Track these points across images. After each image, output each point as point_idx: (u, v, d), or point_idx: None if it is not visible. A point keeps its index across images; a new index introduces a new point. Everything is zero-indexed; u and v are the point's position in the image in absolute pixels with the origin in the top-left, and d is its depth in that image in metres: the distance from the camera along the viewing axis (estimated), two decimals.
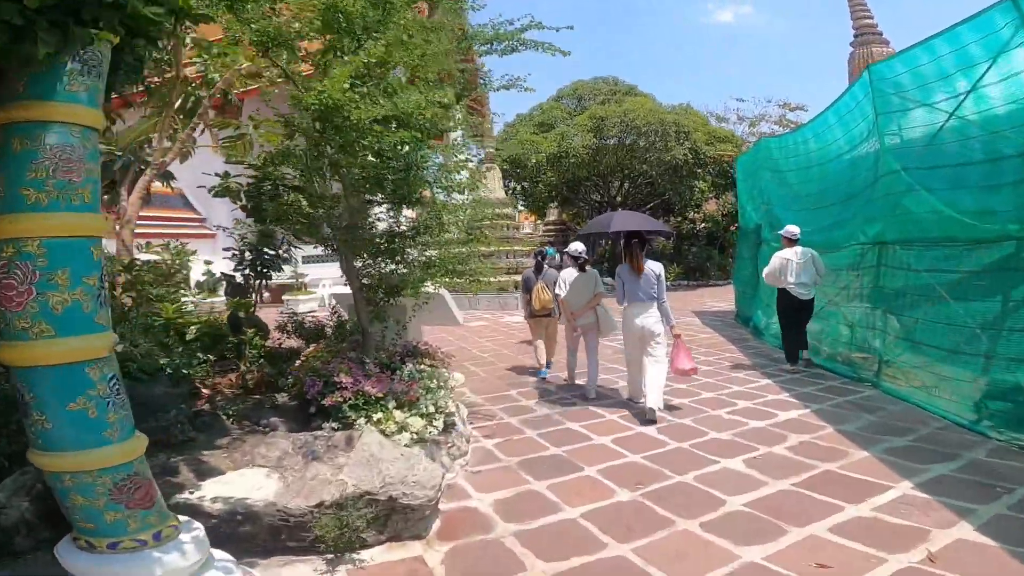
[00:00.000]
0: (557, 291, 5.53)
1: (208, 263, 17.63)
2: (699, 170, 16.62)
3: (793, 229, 6.21)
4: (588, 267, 5.51)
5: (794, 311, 6.12)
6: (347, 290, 4.81)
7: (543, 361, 6.29)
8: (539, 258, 6.50)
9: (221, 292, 7.66)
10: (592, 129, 15.80)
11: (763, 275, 6.47)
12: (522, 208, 23.76)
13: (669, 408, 4.80)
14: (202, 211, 19.94)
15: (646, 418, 4.50)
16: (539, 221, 29.64)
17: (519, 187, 21.21)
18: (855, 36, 44.42)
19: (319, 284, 17.07)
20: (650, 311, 4.70)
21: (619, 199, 20.18)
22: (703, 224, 20.27)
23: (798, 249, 6.07)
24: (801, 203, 7.87)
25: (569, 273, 5.47)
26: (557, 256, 8.39)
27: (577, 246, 5.62)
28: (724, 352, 7.66)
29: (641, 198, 21.09)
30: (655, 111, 16.07)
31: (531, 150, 16.02)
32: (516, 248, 14.35)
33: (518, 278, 13.26)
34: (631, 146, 16.01)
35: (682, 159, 15.73)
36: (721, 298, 15.37)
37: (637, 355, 4.83)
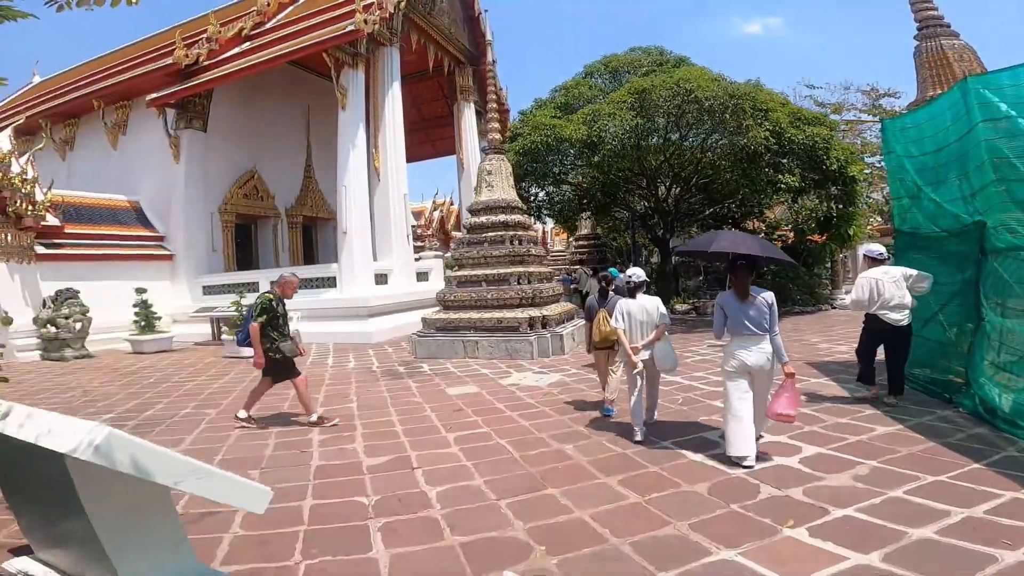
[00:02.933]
0: (614, 323, 5.01)
1: (141, 291, 14.00)
2: (783, 160, 12.17)
3: (876, 247, 5.85)
4: (645, 294, 5.01)
5: (886, 339, 5.54)
6: None
7: (610, 397, 5.67)
8: (603, 283, 5.99)
9: None
10: (633, 107, 11.64)
11: (848, 302, 6.21)
12: (547, 220, 19.54)
13: None
14: (160, 228, 16.48)
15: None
16: (570, 238, 25.41)
17: (540, 193, 17.03)
18: (919, 29, 39.32)
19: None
20: (760, 345, 4.15)
21: (670, 204, 15.81)
22: (782, 231, 15.81)
23: (886, 268, 5.59)
24: None
25: (628, 302, 4.98)
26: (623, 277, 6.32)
27: (635, 271, 5.11)
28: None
29: (700, 202, 16.62)
30: (718, 81, 11.84)
31: (549, 137, 11.88)
32: (532, 270, 10.08)
33: (535, 312, 9.04)
34: (690, 125, 11.79)
35: (762, 144, 11.35)
36: (829, 334, 10.78)
37: (744, 396, 4.18)
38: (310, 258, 19.90)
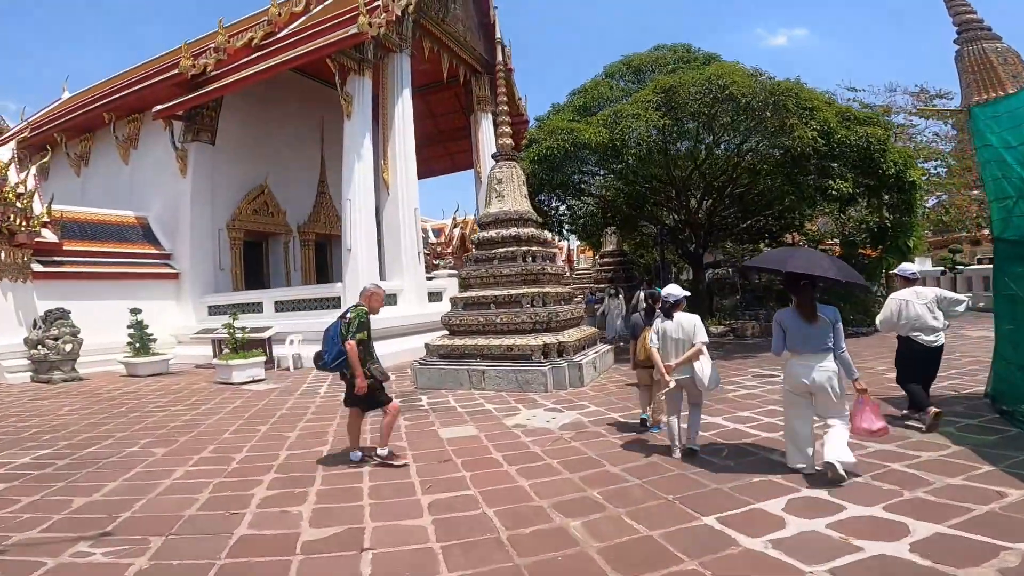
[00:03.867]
0: (649, 343, 5.00)
1: (135, 311, 13.29)
2: (833, 164, 10.76)
3: (908, 267, 5.76)
4: (682, 312, 4.85)
5: (919, 362, 5.42)
6: None
7: (657, 417, 5.64)
8: (650, 300, 5.89)
9: None
10: (660, 107, 10.46)
11: (877, 322, 5.78)
12: (569, 236, 18.39)
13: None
14: (167, 246, 15.95)
15: (828, 477, 3.84)
16: (596, 255, 24.21)
17: (561, 207, 15.91)
18: (958, 33, 37.27)
19: (286, 340, 12.23)
20: (825, 363, 4.03)
21: (703, 217, 14.50)
22: (826, 244, 14.31)
23: (918, 289, 5.49)
24: None
25: (663, 322, 4.87)
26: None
27: (672, 289, 4.94)
28: None
29: (734, 215, 15.25)
30: (756, 77, 10.58)
31: (567, 143, 10.74)
32: (548, 291, 8.93)
33: (549, 339, 7.89)
34: (724, 127, 10.55)
35: (809, 145, 10.01)
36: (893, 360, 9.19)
37: (802, 415, 4.18)
38: (323, 277, 19.15)
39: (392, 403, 5.02)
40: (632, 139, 10.32)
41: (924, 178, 15.62)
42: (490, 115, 19.38)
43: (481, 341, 8.65)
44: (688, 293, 5.02)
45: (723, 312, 17.13)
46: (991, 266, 21.26)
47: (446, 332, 9.48)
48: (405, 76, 15.45)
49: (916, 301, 5.38)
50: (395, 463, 4.87)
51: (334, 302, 12.81)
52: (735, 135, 11.20)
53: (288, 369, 11.89)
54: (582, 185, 13.52)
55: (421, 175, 26.57)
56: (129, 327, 12.38)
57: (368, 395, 4.84)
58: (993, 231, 5.58)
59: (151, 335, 12.54)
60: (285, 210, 18.02)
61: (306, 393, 9.01)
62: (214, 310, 14.86)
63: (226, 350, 11.52)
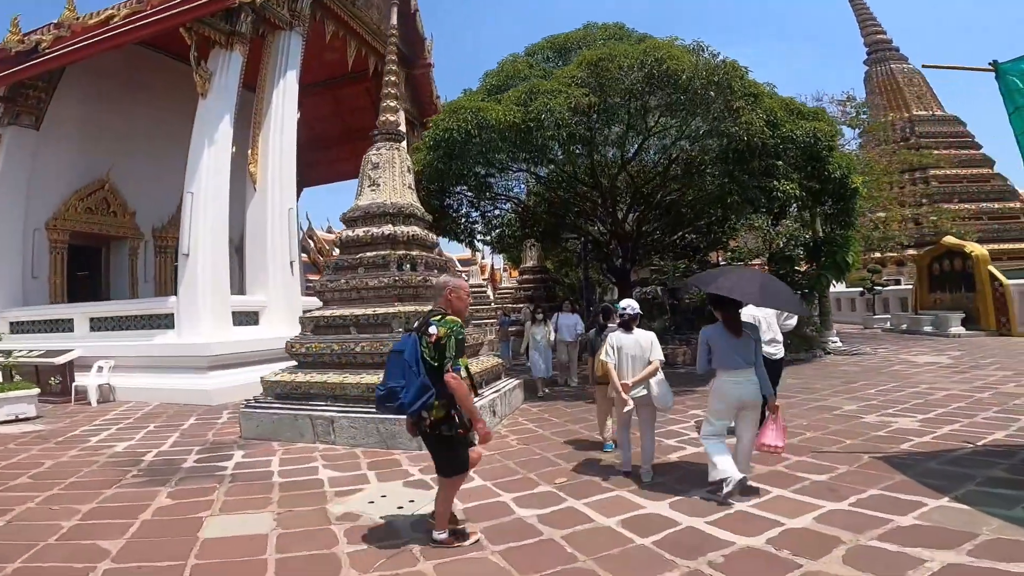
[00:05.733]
0: (604, 358, 4.68)
1: None
2: (778, 162, 9.17)
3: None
4: (637, 328, 4.71)
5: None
6: None
7: (606, 435, 5.51)
8: (602, 317, 5.79)
9: None
10: (586, 83, 8.48)
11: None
12: (482, 248, 16.12)
13: None
14: None
15: (736, 493, 3.87)
16: (514, 273, 22.12)
17: (473, 213, 13.65)
18: (868, 53, 39.11)
19: (93, 366, 9.12)
20: (751, 378, 4.08)
21: (632, 226, 12.73)
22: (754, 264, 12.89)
23: (758, 307, 5.27)
24: None
25: (620, 336, 4.68)
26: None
27: (629, 303, 4.80)
28: None
29: (662, 227, 13.61)
30: (696, 55, 8.85)
31: (469, 123, 8.51)
32: (428, 310, 6.54)
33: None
34: (662, 108, 8.70)
35: (757, 135, 8.32)
36: (856, 394, 7.41)
37: (723, 431, 4.19)
38: None
39: (477, 450, 3.58)
40: (550, 121, 8.23)
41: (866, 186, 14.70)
42: (402, 112, 17.14)
43: (334, 377, 6.10)
44: (639, 311, 4.79)
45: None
46: (909, 287, 20.96)
47: (294, 363, 6.85)
48: (293, 58, 12.90)
49: (761, 315, 5.42)
50: (469, 540, 3.38)
51: (166, 320, 9.81)
52: (673, 119, 9.39)
53: (90, 404, 8.79)
54: (489, 179, 11.27)
55: (327, 178, 23.80)
56: None
57: (454, 445, 3.34)
58: None
59: None
60: (135, 210, 14.63)
61: (91, 447, 6.09)
62: (17, 327, 11.38)
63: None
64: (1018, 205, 28.01)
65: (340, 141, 21.08)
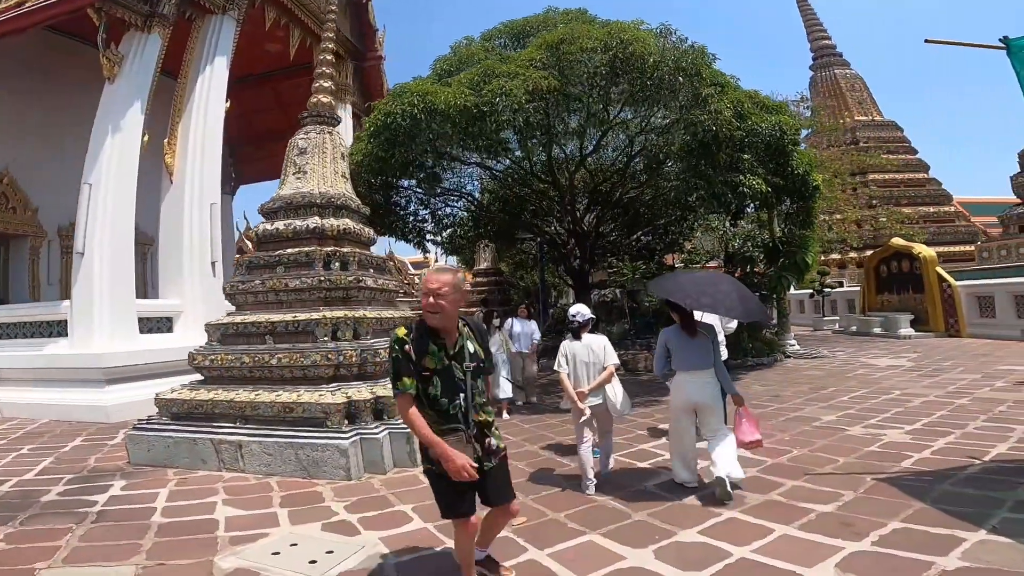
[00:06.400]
0: (556, 368, 4.46)
1: None
2: (744, 155, 8.66)
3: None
4: (590, 333, 4.54)
5: None
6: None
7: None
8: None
9: None
10: (546, 65, 7.70)
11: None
12: (432, 249, 15.11)
13: None
14: None
15: (716, 494, 3.82)
16: (468, 275, 21.17)
17: (421, 211, 12.71)
18: (814, 59, 40.28)
19: None
20: (710, 379, 4.10)
21: (590, 225, 12.07)
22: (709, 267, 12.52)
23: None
24: None
25: (571, 343, 4.48)
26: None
27: (579, 309, 4.63)
28: None
29: (620, 227, 13.05)
30: (662, 39, 8.25)
31: (416, 107, 7.59)
32: (363, 315, 5.60)
33: (360, 392, 4.49)
34: (626, 97, 8.04)
35: (725, 125, 7.76)
36: (830, 402, 6.84)
37: (688, 431, 4.22)
38: None
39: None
40: (505, 105, 7.41)
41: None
42: (350, 106, 16.08)
43: (244, 395, 5.05)
44: (591, 316, 4.61)
45: (611, 340, 14.76)
46: (857, 289, 21.13)
47: (199, 377, 5.74)
48: (224, 43, 11.71)
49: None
50: None
51: (58, 327, 8.43)
52: (637, 111, 8.75)
53: None
54: (438, 171, 10.33)
55: (270, 175, 22.26)
56: None
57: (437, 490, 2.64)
58: None
59: None
60: (37, 206, 12.94)
61: None
62: None
63: None
64: (952, 209, 29.15)
65: (282, 136, 19.68)
